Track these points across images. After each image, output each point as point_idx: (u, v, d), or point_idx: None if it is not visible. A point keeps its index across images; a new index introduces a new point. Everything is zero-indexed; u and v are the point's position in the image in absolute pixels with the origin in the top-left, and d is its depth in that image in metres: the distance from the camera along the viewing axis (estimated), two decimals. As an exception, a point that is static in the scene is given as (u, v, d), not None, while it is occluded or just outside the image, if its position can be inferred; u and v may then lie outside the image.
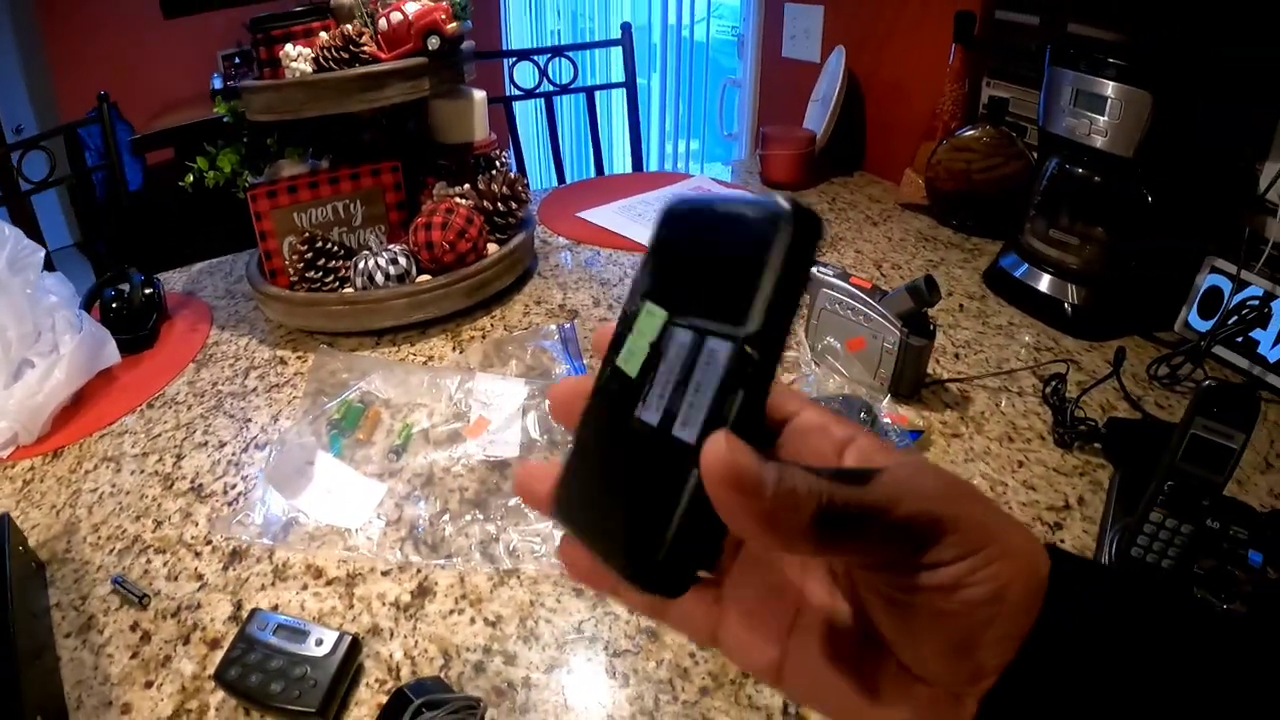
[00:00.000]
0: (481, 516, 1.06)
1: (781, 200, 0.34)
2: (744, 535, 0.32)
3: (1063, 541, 1.02)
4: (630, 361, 0.37)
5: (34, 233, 1.77)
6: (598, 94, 2.68)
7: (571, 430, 0.40)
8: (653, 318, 0.37)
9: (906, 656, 0.36)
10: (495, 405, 1.25)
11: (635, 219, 2.01)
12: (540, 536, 1.02)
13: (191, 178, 1.48)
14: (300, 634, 0.84)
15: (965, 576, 0.34)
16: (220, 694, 0.83)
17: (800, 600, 0.40)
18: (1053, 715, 0.34)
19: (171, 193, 1.69)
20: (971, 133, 1.82)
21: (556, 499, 0.39)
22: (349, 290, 1.44)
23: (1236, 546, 0.90)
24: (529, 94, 2.55)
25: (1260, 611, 0.86)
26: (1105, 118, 1.36)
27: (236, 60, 4.69)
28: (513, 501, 1.08)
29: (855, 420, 1.12)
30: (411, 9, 1.36)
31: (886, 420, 1.18)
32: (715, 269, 0.36)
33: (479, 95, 1.60)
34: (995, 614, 0.34)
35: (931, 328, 1.23)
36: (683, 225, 0.39)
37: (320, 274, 1.43)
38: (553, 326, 1.46)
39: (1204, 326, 1.38)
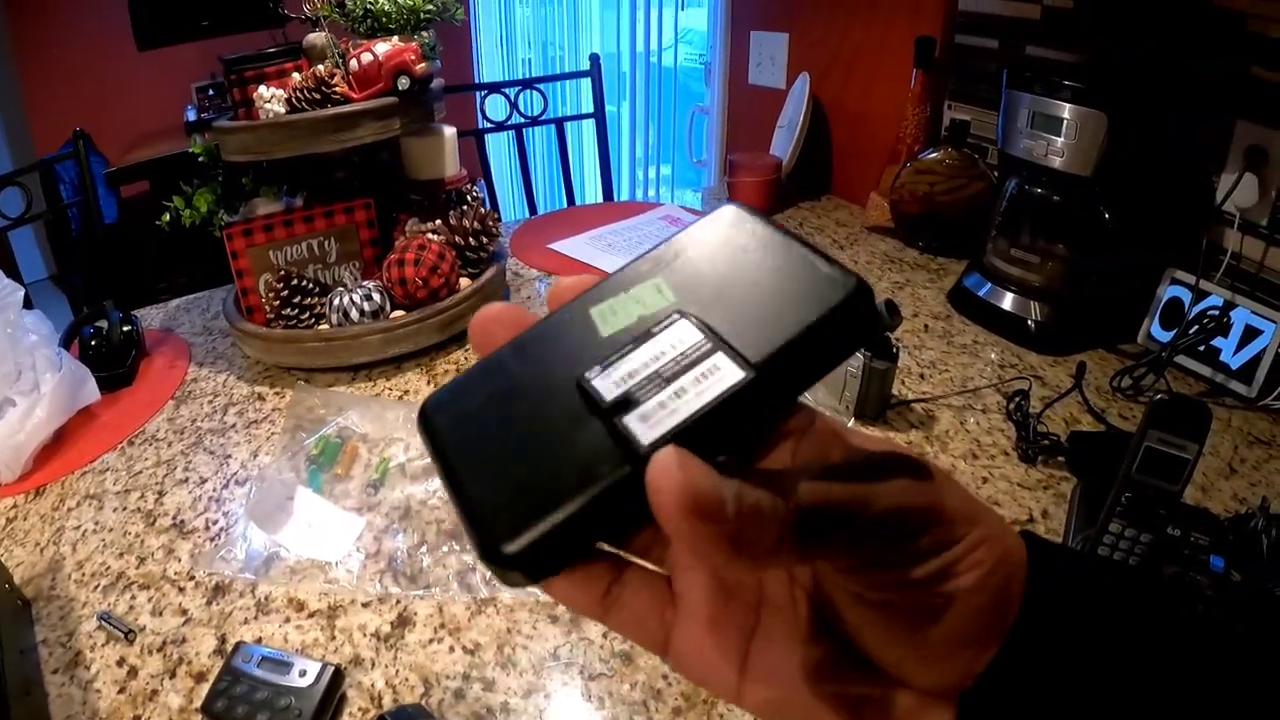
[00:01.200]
0: (458, 547, 1.08)
1: (857, 276, 0.32)
2: (707, 561, 0.31)
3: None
4: (607, 319, 0.34)
5: (11, 269, 1.78)
6: (568, 125, 2.70)
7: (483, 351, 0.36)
8: (660, 295, 0.34)
9: (889, 660, 0.33)
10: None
11: (605, 249, 2.03)
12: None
13: (168, 217, 1.50)
14: (284, 665, 0.86)
15: (953, 565, 0.31)
16: (208, 727, 0.85)
17: (759, 601, 0.35)
18: (1040, 704, 0.32)
19: (146, 225, 1.70)
20: (934, 155, 1.85)
21: (438, 404, 0.35)
22: (325, 327, 1.46)
23: (1198, 553, 0.91)
24: (500, 126, 2.57)
25: (1224, 616, 0.87)
26: (1062, 139, 1.39)
27: (210, 92, 4.68)
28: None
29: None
30: (381, 50, 1.39)
31: (852, 443, 1.19)
32: (759, 292, 0.33)
33: (449, 132, 1.62)
34: (983, 602, 0.32)
35: (895, 350, 1.25)
36: (737, 233, 0.36)
37: (296, 311, 1.45)
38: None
39: (1166, 337, 1.41)
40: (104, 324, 1.57)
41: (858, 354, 1.23)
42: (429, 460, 1.19)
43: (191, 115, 4.67)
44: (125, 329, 1.57)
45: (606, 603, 0.34)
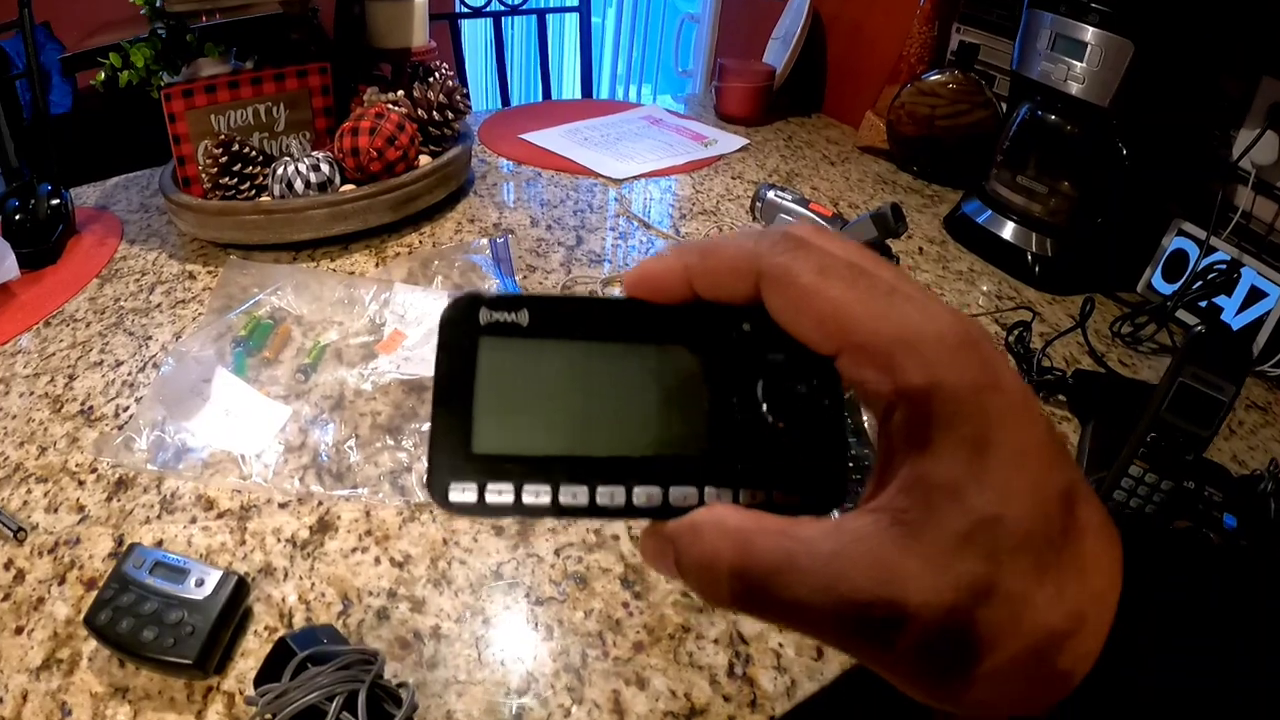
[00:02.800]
0: (392, 443, 0.97)
1: None
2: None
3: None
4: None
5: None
6: (549, 17, 2.60)
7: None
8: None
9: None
10: (413, 319, 1.16)
11: (582, 143, 1.93)
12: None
13: (103, 76, 1.37)
14: (179, 573, 0.74)
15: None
16: (93, 643, 0.74)
17: None
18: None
19: (104, 117, 1.59)
20: (938, 77, 1.78)
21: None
22: (266, 199, 1.34)
23: (1211, 509, 0.86)
24: (477, 12, 2.45)
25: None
26: (1083, 64, 1.32)
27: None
28: (427, 426, 0.98)
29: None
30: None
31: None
32: None
33: (419, -1, 1.50)
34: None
35: (895, 261, 1.16)
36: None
37: (235, 181, 1.32)
38: (484, 241, 1.38)
39: (1166, 289, 1.37)
40: (31, 199, 1.43)
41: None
42: (364, 340, 1.06)
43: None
44: (54, 203, 1.44)
45: None
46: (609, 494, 0.33)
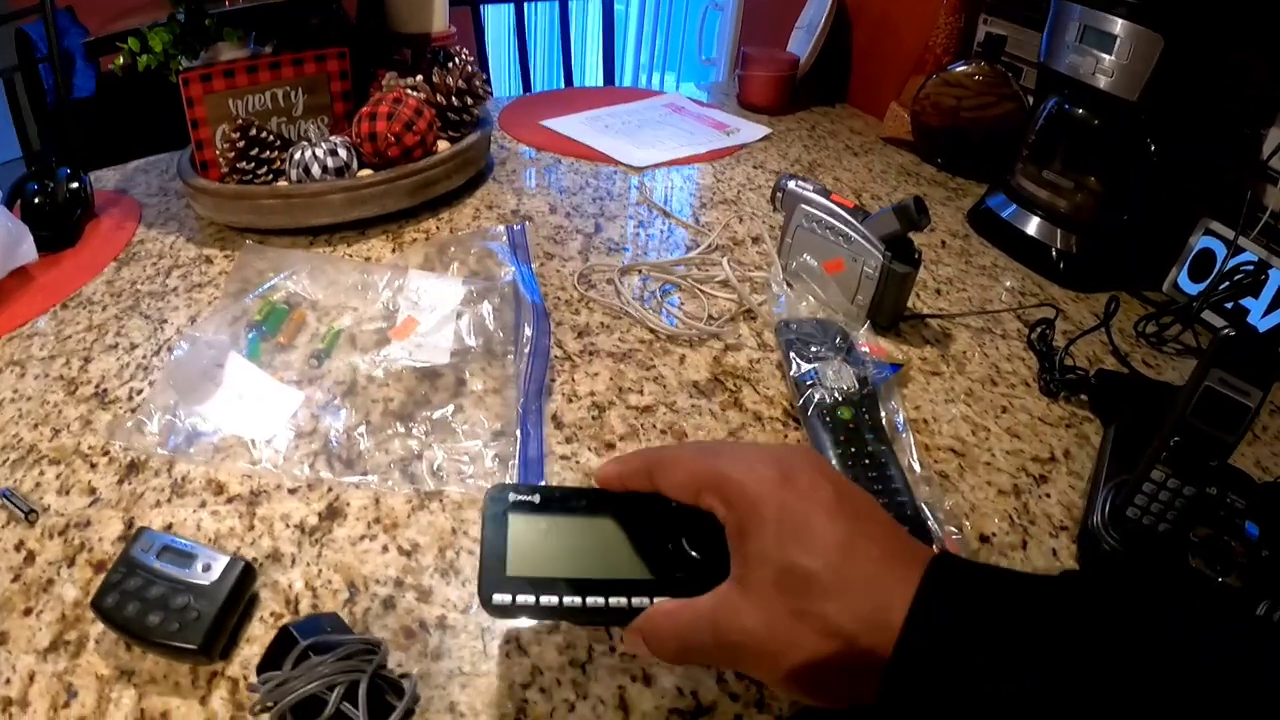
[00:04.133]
0: (403, 430, 0.96)
1: None
2: None
3: (1048, 496, 0.95)
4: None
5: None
6: (572, 3, 2.58)
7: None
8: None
9: None
10: (426, 305, 1.16)
11: (603, 130, 1.92)
12: (469, 456, 0.93)
13: (121, 61, 1.36)
14: (187, 557, 0.73)
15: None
16: (100, 625, 0.74)
17: None
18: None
19: (128, 101, 1.59)
20: (964, 69, 1.75)
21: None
22: (283, 183, 1.34)
23: (1234, 516, 0.84)
24: (499, -3, 2.44)
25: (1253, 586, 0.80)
26: (1112, 57, 1.30)
27: (201, -38, 4.53)
28: (438, 414, 0.98)
29: (831, 347, 1.06)
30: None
31: (864, 349, 1.09)
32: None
33: (440, -20, 1.50)
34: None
35: (916, 256, 1.15)
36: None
37: (253, 165, 1.32)
38: (500, 228, 1.37)
39: (1193, 289, 1.35)
40: (50, 182, 1.44)
41: (876, 255, 1.12)
42: (378, 326, 1.08)
43: (182, -15, 4.52)
44: (73, 186, 1.45)
45: None
46: (595, 600, 0.55)
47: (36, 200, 1.41)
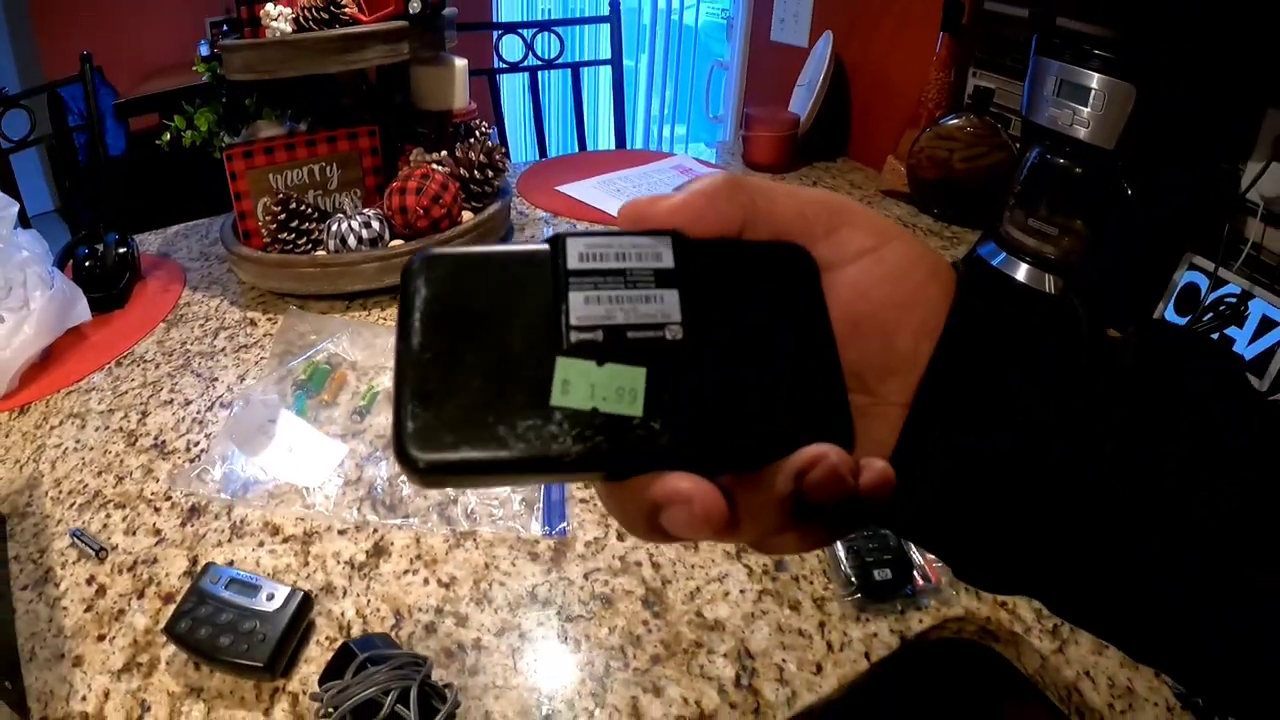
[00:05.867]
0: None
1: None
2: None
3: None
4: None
5: (11, 191, 1.76)
6: (584, 70, 2.67)
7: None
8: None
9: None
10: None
11: (614, 194, 2.00)
12: (498, 500, 1.02)
13: (168, 136, 1.47)
14: (252, 589, 0.84)
15: (873, 269, 0.36)
16: (171, 648, 0.83)
17: None
18: (977, 408, 0.36)
19: (155, 159, 1.67)
20: (955, 121, 1.82)
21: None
22: (321, 253, 1.44)
23: None
24: (514, 67, 2.54)
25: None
26: (1088, 109, 1.36)
27: (224, 27, 4.67)
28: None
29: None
30: (394, -28, 1.36)
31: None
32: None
33: (460, 63, 1.59)
34: (907, 314, 0.36)
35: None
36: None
37: (293, 236, 1.42)
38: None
39: (1180, 322, 1.38)
40: (100, 246, 1.54)
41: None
42: None
43: (205, 50, 4.66)
44: (121, 251, 1.56)
45: None
46: None
47: (87, 264, 1.51)
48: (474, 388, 0.30)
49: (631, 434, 0.30)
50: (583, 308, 0.31)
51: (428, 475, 0.29)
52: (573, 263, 0.32)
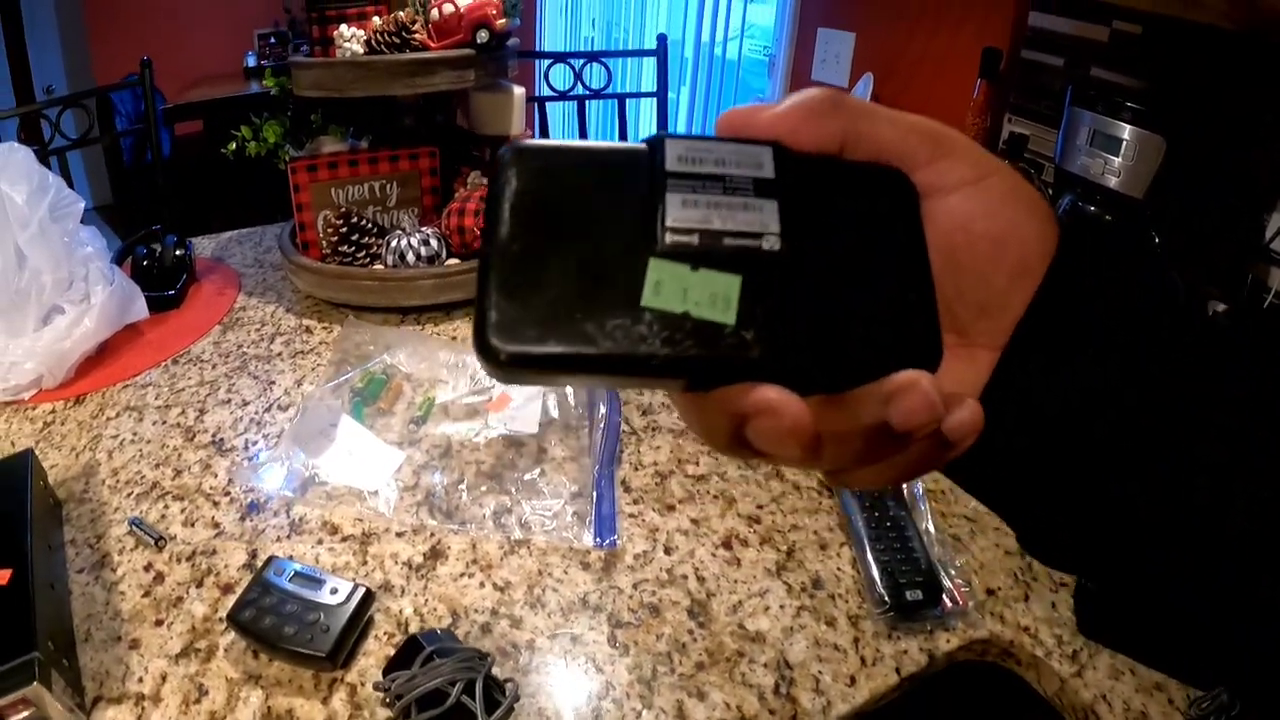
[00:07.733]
0: (497, 488, 1.09)
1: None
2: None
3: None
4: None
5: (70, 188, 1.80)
6: (629, 101, 2.72)
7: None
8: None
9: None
10: (515, 383, 1.27)
11: None
12: (552, 512, 1.05)
13: (234, 145, 1.51)
14: (316, 582, 0.87)
15: (973, 201, 0.35)
16: (229, 637, 0.87)
17: None
18: (1070, 355, 0.35)
19: (196, 164, 1.73)
20: None
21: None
22: (379, 267, 1.48)
23: None
24: (562, 95, 2.59)
25: None
26: (1120, 159, 1.40)
27: (272, 40, 4.76)
28: (528, 476, 1.11)
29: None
30: (464, 2, 1.40)
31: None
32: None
33: (519, 91, 1.63)
34: (1004, 251, 0.35)
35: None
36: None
37: (353, 249, 1.47)
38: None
39: None
40: (158, 246, 1.59)
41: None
42: (473, 400, 1.17)
43: (251, 61, 4.76)
44: (179, 253, 1.60)
45: None
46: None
47: (145, 263, 1.56)
48: (561, 283, 0.30)
49: (722, 341, 0.29)
50: (679, 210, 0.31)
51: (509, 368, 0.29)
52: (671, 164, 0.32)
